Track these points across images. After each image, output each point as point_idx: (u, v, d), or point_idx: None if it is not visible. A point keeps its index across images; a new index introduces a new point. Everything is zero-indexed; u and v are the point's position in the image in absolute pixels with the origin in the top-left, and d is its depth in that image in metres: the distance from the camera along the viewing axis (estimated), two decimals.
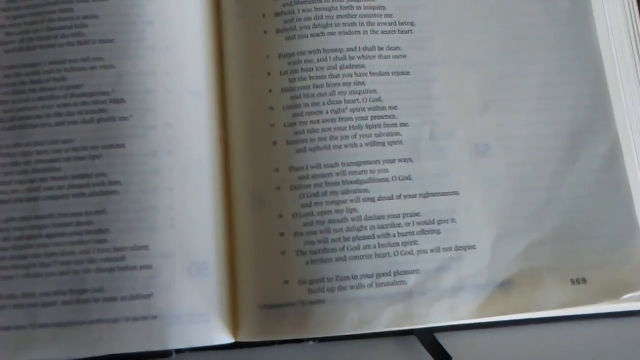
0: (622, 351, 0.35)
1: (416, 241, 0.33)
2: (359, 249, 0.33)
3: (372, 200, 0.33)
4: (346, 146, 0.34)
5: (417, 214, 0.33)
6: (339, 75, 0.34)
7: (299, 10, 0.35)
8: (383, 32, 0.35)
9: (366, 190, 0.33)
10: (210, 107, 0.35)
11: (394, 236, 0.33)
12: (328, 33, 0.35)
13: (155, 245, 0.32)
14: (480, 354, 0.35)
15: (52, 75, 0.34)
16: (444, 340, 0.35)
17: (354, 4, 0.35)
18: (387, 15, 0.36)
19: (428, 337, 0.34)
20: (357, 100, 0.34)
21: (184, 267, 0.33)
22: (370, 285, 0.32)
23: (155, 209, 0.33)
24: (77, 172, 0.33)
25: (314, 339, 0.35)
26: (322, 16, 0.35)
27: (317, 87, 0.34)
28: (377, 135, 0.34)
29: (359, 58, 0.35)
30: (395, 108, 0.35)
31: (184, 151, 0.34)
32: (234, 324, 0.33)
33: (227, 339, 0.33)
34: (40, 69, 0.34)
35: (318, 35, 0.35)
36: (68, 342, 0.31)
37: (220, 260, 0.33)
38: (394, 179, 0.34)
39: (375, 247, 0.33)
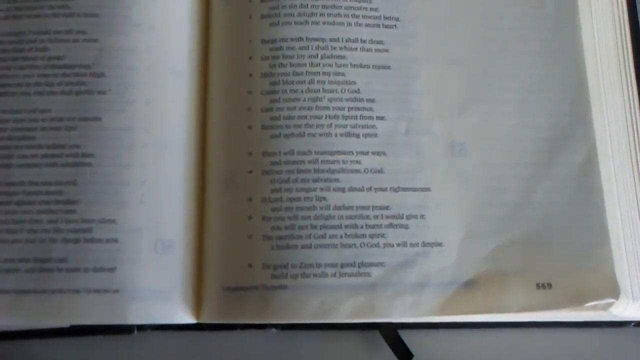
0: None
1: (383, 234, 0.33)
2: (325, 238, 0.32)
3: (342, 190, 0.33)
4: (321, 135, 0.34)
5: (387, 207, 0.33)
6: (319, 64, 0.34)
7: None
8: (367, 25, 0.35)
9: (337, 180, 0.33)
10: (190, 87, 0.35)
11: (362, 227, 0.33)
12: (312, 22, 0.35)
13: (123, 219, 0.32)
14: (443, 353, 0.35)
15: (35, 45, 0.34)
16: (408, 337, 0.34)
17: None
18: (372, 9, 0.36)
19: (391, 333, 0.34)
20: (336, 90, 0.34)
21: (150, 243, 0.33)
22: (334, 275, 0.32)
23: (126, 184, 0.33)
24: (52, 142, 0.33)
25: (277, 326, 0.35)
26: (307, 5, 0.35)
27: (297, 74, 0.34)
28: (353, 127, 0.34)
29: (341, 49, 0.35)
30: (373, 101, 0.35)
31: (160, 129, 0.34)
32: (197, 305, 0.33)
33: (188, 318, 0.33)
34: (24, 37, 0.34)
35: (301, 23, 0.35)
36: (28, 310, 0.31)
37: (187, 239, 0.33)
38: (366, 170, 0.34)
39: (341, 237, 0.33)
